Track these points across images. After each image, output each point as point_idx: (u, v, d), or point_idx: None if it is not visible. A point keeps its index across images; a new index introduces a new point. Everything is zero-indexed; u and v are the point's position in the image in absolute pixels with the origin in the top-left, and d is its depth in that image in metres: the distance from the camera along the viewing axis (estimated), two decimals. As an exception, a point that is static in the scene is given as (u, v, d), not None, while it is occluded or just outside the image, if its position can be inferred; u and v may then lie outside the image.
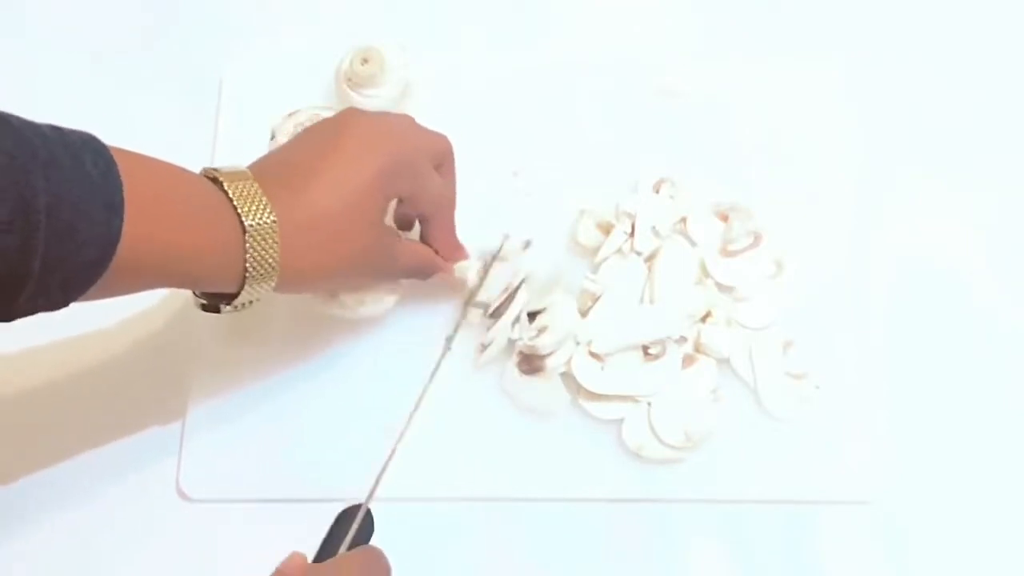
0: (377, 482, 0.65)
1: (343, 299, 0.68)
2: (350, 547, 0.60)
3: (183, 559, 0.67)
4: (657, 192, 0.74)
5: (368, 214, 0.62)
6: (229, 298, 0.60)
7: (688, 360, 0.69)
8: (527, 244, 0.72)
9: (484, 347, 0.69)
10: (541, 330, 0.69)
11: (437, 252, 0.69)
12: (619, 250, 0.71)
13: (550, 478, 0.68)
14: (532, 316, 0.69)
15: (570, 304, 0.70)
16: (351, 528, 0.61)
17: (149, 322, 0.72)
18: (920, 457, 0.68)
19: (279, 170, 0.61)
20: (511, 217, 0.73)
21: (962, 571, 0.66)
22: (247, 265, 0.58)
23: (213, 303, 0.61)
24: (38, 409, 0.71)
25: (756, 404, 0.69)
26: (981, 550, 0.66)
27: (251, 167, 0.62)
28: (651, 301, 0.70)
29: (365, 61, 0.75)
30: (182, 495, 0.68)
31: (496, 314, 0.70)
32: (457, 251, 0.70)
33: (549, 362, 0.69)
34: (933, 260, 0.74)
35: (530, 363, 0.69)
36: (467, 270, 0.70)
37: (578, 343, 0.69)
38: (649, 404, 0.68)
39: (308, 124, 0.73)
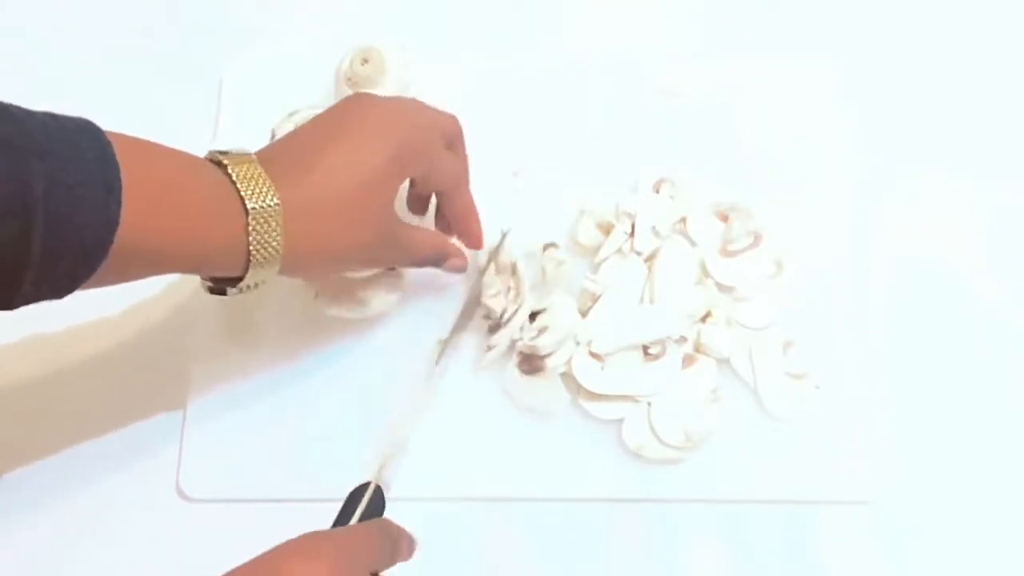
0: (386, 459, 0.65)
1: (344, 299, 0.68)
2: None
3: (183, 559, 0.67)
4: (657, 192, 0.74)
5: (377, 199, 0.62)
6: (235, 281, 0.60)
7: (688, 360, 0.69)
8: (503, 235, 0.72)
9: (489, 348, 0.69)
10: (541, 330, 0.69)
11: (456, 225, 0.69)
12: (619, 250, 0.71)
13: (550, 478, 0.68)
14: (532, 316, 0.69)
15: (570, 304, 0.70)
16: (361, 504, 0.61)
17: (148, 322, 0.72)
18: (920, 457, 0.68)
19: (285, 155, 0.61)
20: (511, 217, 0.73)
21: (962, 571, 0.66)
22: (251, 248, 0.58)
23: (219, 286, 0.61)
24: (38, 410, 0.71)
25: (756, 404, 0.69)
26: (981, 550, 0.66)
27: (258, 152, 0.62)
28: (651, 301, 0.70)
29: (365, 61, 0.75)
30: (182, 495, 0.68)
31: (502, 323, 0.70)
32: (476, 222, 0.70)
33: (549, 362, 0.68)
34: (933, 260, 0.74)
35: (530, 363, 0.69)
36: (480, 256, 0.70)
37: (578, 343, 0.69)
38: (649, 404, 0.68)
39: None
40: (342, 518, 0.60)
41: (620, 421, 0.68)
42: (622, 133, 0.77)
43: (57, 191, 0.50)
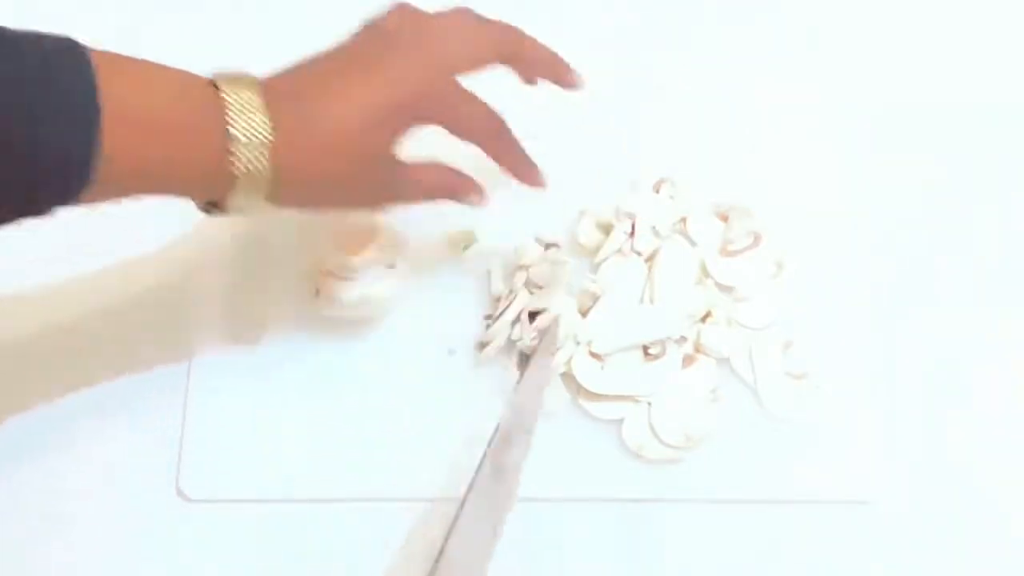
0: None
1: (343, 297, 0.68)
2: None
3: (183, 559, 0.67)
4: (657, 192, 0.74)
5: (378, 144, 0.60)
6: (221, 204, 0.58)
7: (688, 360, 0.69)
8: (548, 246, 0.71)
9: (483, 346, 0.69)
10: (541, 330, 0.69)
11: (506, 172, 0.67)
12: (619, 250, 0.71)
13: (550, 478, 0.68)
14: (532, 316, 0.69)
15: (570, 304, 0.70)
16: None
17: (149, 321, 0.72)
18: (920, 457, 0.68)
19: (294, 80, 0.59)
20: (511, 217, 0.73)
21: (962, 571, 0.66)
22: (236, 174, 0.56)
23: (207, 205, 0.59)
24: (38, 409, 0.71)
25: (756, 404, 0.69)
26: (981, 550, 0.67)
27: (269, 78, 0.59)
28: (651, 301, 0.70)
29: (365, 61, 0.75)
30: (182, 495, 0.68)
31: (495, 317, 0.70)
32: (527, 166, 0.67)
33: None
34: (933, 259, 0.74)
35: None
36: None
37: (578, 343, 0.69)
38: (649, 404, 0.68)
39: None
40: None
41: (620, 421, 0.68)
42: (622, 133, 0.77)
43: (34, 124, 0.50)
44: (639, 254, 0.71)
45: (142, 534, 0.68)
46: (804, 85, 0.78)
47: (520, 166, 0.67)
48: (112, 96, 0.52)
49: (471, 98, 0.63)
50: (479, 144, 0.65)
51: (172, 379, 0.71)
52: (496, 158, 0.66)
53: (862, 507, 0.67)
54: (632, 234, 0.71)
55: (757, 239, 0.72)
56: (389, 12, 0.63)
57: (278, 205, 0.60)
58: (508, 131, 0.66)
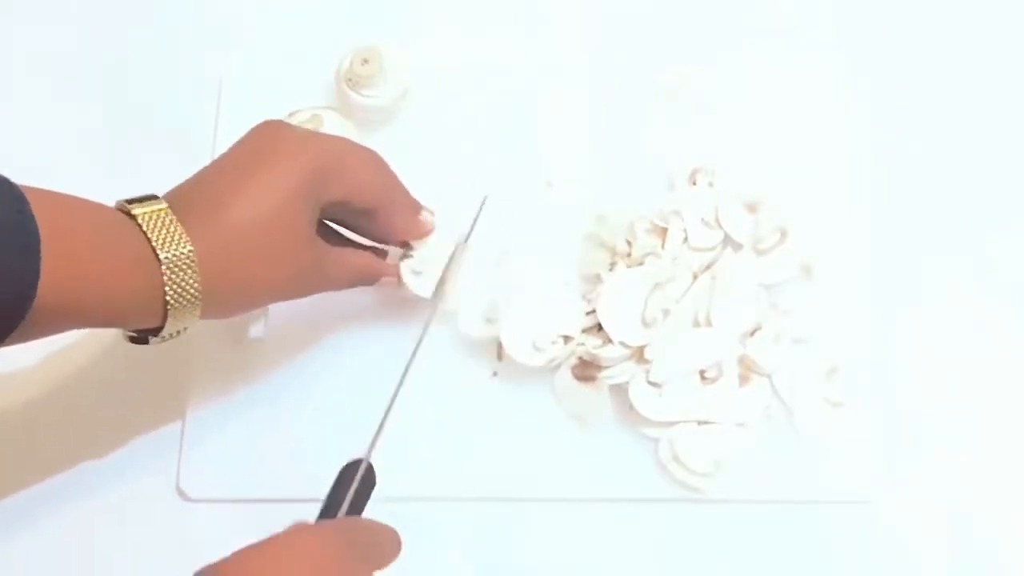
0: (377, 435, 0.63)
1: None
2: (352, 502, 0.59)
3: (183, 559, 0.67)
4: (694, 183, 0.73)
5: (293, 226, 0.60)
6: (156, 331, 0.59)
7: (741, 380, 0.69)
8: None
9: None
10: (606, 341, 0.68)
11: (397, 239, 0.68)
12: (674, 258, 0.70)
13: (554, 479, 0.68)
14: (600, 327, 0.68)
15: (632, 324, 0.68)
16: (352, 484, 0.60)
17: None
18: (920, 457, 0.68)
19: (197, 194, 0.59)
20: (546, 228, 0.73)
21: (961, 571, 0.66)
22: (167, 297, 0.56)
23: (141, 335, 0.60)
24: (38, 409, 0.71)
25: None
26: (980, 550, 0.67)
27: (169, 194, 0.60)
28: (708, 323, 0.69)
29: (365, 61, 0.75)
30: (182, 495, 0.68)
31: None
32: (420, 228, 0.68)
33: (603, 374, 0.68)
34: (937, 259, 0.74)
35: (585, 369, 0.68)
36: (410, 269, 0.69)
37: (637, 362, 0.68)
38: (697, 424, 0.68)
39: (308, 124, 0.73)
40: (332, 497, 0.59)
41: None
42: (651, 139, 0.76)
43: None
44: (697, 250, 0.71)
45: (142, 534, 0.68)
46: (808, 83, 0.78)
47: (412, 223, 0.68)
48: (47, 230, 0.52)
49: (362, 166, 0.64)
50: (378, 207, 0.65)
51: (172, 379, 0.71)
52: (392, 215, 0.67)
53: (862, 507, 0.67)
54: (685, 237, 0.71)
55: (783, 235, 0.71)
56: (262, 122, 0.64)
57: (214, 317, 0.60)
58: (400, 190, 0.67)
